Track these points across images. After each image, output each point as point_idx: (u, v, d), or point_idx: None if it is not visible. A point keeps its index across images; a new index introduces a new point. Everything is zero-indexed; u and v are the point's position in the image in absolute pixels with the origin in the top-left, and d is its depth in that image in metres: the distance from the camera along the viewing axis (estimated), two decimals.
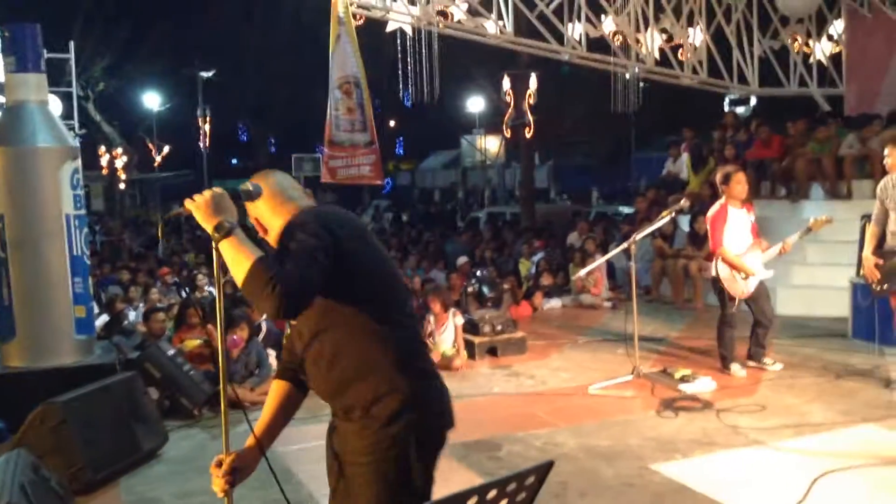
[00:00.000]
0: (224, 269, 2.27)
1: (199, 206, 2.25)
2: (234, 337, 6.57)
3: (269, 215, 2.50)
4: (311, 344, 2.42)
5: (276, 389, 2.62)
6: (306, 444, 5.32)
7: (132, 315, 8.62)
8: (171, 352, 6.12)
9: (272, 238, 2.48)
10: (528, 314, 9.83)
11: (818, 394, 6.11)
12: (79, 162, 6.12)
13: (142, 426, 5.11)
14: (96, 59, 26.05)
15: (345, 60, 9.40)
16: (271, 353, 7.03)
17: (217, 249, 2.26)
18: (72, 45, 10.24)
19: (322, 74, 9.99)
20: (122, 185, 31.59)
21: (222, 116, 32.82)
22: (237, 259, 2.19)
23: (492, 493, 1.81)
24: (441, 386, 2.49)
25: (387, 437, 2.33)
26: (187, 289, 10.54)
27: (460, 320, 7.61)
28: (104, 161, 29.89)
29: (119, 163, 29.66)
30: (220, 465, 2.49)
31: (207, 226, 2.24)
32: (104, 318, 8.05)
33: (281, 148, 37.53)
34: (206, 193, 2.26)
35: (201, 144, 29.06)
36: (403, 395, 2.34)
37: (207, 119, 28.85)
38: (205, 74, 28.95)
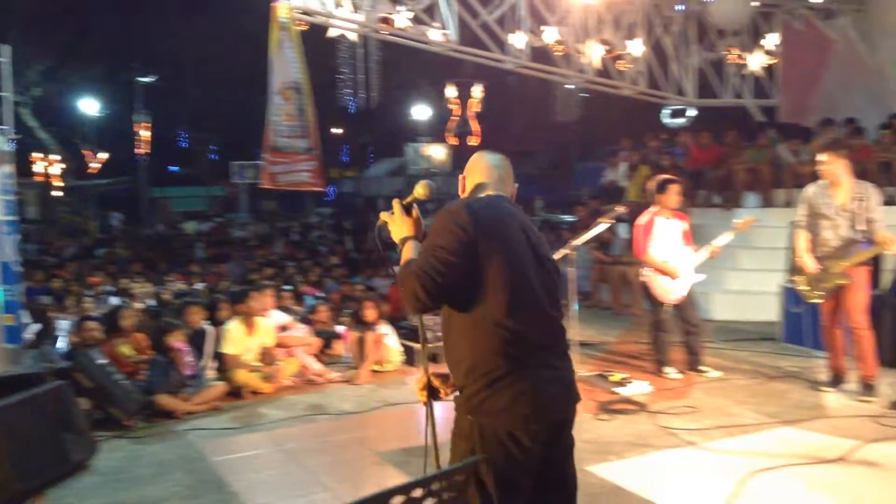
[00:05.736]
0: None
1: (394, 219, 2.73)
2: (177, 344, 6.44)
3: (462, 192, 2.87)
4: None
5: None
6: (241, 454, 5.27)
7: (64, 324, 8.38)
8: (101, 361, 5.97)
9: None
10: None
11: (749, 395, 6.26)
12: (10, 167, 5.95)
13: (71, 437, 4.94)
14: (33, 63, 25.33)
15: (286, 66, 9.33)
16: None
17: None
18: (8, 49, 9.89)
19: (264, 80, 9.89)
20: (57, 193, 30.74)
21: (162, 123, 32.21)
22: (401, 264, 2.63)
23: (417, 492, 1.82)
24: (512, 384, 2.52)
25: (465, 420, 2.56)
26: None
27: (385, 330, 7.58)
28: (39, 167, 29.08)
29: (54, 169, 28.89)
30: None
31: (397, 237, 2.72)
32: (35, 326, 7.82)
33: (222, 155, 37.02)
34: (397, 211, 2.73)
35: (139, 151, 28.50)
36: (478, 390, 2.53)
37: (146, 125, 28.29)
38: (144, 80, 28.42)
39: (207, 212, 32.79)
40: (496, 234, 2.53)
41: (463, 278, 2.46)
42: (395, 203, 2.73)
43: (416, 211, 2.77)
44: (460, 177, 2.86)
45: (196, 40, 28.08)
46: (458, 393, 2.60)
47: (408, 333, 8.00)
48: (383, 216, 2.72)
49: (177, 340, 6.41)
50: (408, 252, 2.61)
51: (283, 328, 7.65)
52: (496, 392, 2.47)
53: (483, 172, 2.80)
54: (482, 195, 2.72)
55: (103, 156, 32.04)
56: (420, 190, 2.75)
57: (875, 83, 12.44)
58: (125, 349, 6.60)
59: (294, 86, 9.31)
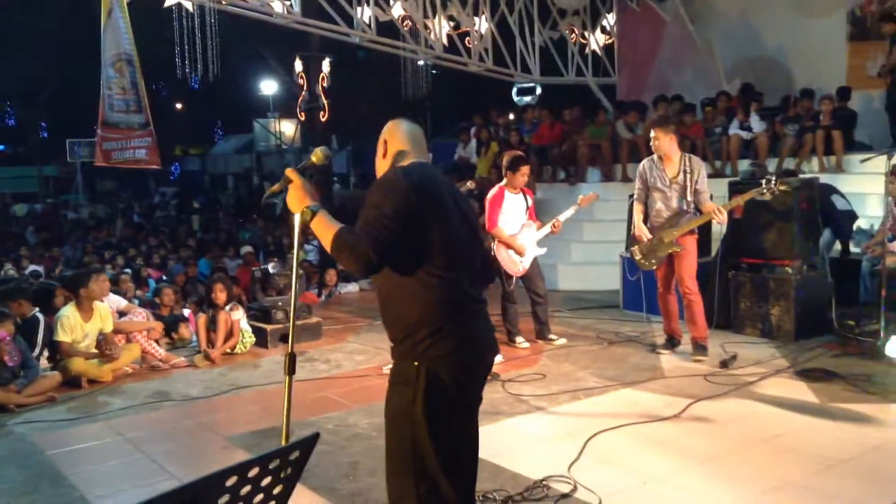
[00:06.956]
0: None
1: (297, 187, 2.62)
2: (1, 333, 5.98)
3: (382, 157, 2.88)
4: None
5: None
6: (80, 446, 5.00)
7: None
8: None
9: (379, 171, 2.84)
10: (315, 301, 9.67)
11: (592, 361, 6.56)
12: None
13: None
14: None
15: (118, 36, 8.79)
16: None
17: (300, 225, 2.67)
18: None
19: (97, 52, 9.26)
20: None
21: None
22: (326, 232, 2.56)
23: (254, 471, 1.76)
24: (461, 336, 2.67)
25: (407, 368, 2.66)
26: None
27: (238, 315, 7.37)
28: None
29: None
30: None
31: (300, 206, 2.60)
32: None
33: (54, 132, 34.65)
34: (298, 179, 2.64)
35: None
36: (423, 338, 2.63)
37: None
38: None
39: (39, 193, 30.72)
40: (433, 199, 2.67)
41: (407, 240, 2.58)
42: (292, 171, 2.68)
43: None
44: (381, 140, 2.90)
45: (22, 7, 25.97)
46: (399, 344, 2.71)
47: (258, 315, 7.82)
48: (290, 174, 2.65)
49: (2, 330, 5.95)
50: (324, 222, 2.58)
51: (122, 313, 7.28)
52: (441, 339, 2.64)
53: (404, 140, 2.88)
54: (406, 163, 2.80)
55: None
56: (318, 155, 2.79)
57: (703, 62, 13.23)
58: None
59: (126, 57, 8.77)
